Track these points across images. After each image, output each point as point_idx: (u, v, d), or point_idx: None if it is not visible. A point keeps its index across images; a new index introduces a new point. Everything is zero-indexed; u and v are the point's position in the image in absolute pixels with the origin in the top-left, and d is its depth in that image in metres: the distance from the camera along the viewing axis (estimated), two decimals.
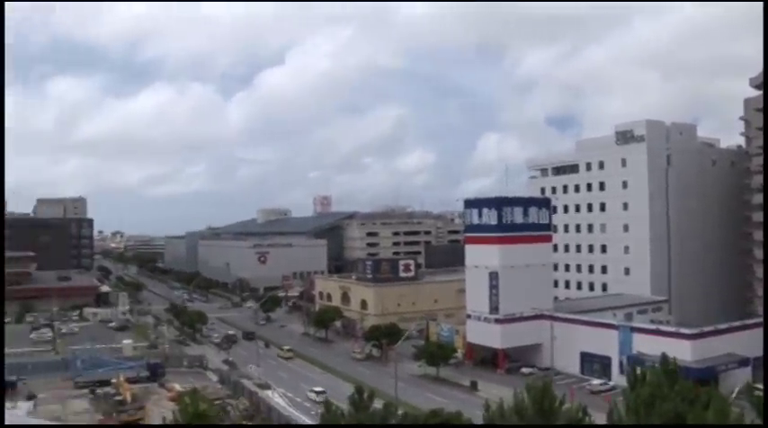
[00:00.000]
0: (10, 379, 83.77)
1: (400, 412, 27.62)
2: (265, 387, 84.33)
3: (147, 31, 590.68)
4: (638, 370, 22.17)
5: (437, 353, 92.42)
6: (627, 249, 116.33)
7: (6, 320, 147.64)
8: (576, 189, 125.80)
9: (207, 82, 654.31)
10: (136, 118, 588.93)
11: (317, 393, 78.99)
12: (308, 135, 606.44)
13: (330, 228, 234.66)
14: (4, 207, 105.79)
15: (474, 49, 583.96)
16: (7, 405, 76.63)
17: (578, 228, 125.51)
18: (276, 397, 79.73)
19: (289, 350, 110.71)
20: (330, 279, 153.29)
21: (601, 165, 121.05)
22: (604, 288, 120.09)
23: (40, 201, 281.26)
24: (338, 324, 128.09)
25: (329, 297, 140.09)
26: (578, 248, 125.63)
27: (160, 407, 75.55)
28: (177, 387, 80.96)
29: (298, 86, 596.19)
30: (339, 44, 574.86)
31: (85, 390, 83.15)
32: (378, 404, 25.96)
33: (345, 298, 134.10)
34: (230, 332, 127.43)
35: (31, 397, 79.55)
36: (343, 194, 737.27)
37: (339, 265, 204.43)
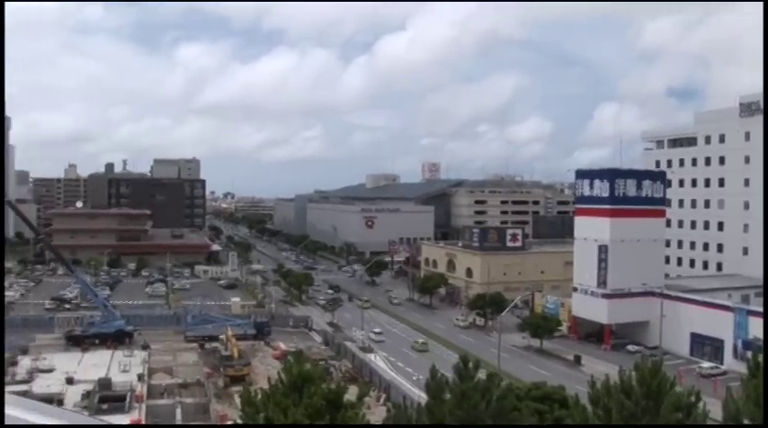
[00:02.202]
0: (128, 329, 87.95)
1: (504, 383, 27.28)
2: (368, 350, 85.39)
3: (273, 3, 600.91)
4: (760, 357, 21.03)
5: (542, 325, 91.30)
6: (746, 228, 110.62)
7: (123, 274, 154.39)
8: (694, 162, 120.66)
9: (329, 47, 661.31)
10: (257, 83, 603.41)
11: (376, 333, 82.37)
12: (424, 102, 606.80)
13: (438, 195, 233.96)
14: (3, 206, 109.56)
15: (598, 18, 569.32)
16: (124, 352, 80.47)
17: (694, 204, 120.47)
18: (378, 361, 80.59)
19: (366, 300, 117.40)
20: (436, 245, 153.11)
21: (721, 139, 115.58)
22: (719, 267, 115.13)
23: (157, 162, 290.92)
24: (443, 291, 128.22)
25: (435, 263, 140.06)
26: (693, 224, 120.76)
27: (265, 365, 77.50)
28: (282, 346, 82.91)
29: (416, 53, 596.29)
30: (464, 13, 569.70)
31: (194, 344, 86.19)
32: (481, 374, 25.71)
33: (451, 265, 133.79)
34: (335, 293, 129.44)
35: (145, 347, 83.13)
36: (453, 162, 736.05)
37: (445, 232, 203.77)
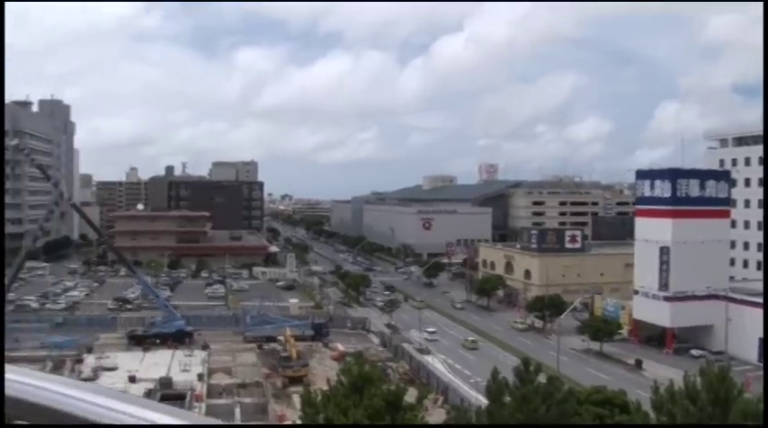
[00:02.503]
0: (188, 329, 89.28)
1: (565, 387, 26.85)
2: (426, 352, 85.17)
3: (331, 4, 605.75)
4: None
5: (601, 328, 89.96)
6: None
7: (183, 275, 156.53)
8: (761, 161, 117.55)
9: (385, 50, 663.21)
10: (314, 86, 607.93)
11: (430, 333, 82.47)
12: (480, 103, 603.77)
13: (495, 197, 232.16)
14: (3, 204, 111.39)
15: (656, 14, 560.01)
16: (184, 352, 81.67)
17: (760, 204, 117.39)
18: (436, 363, 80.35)
19: (420, 301, 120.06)
20: (494, 247, 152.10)
21: None
22: None
23: (216, 164, 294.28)
24: (500, 293, 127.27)
25: (492, 265, 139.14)
26: (759, 225, 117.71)
27: (323, 366, 77.86)
28: (340, 347, 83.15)
29: (473, 54, 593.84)
30: (520, 12, 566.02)
31: (253, 345, 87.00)
32: (541, 377, 25.34)
33: (509, 267, 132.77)
34: (390, 294, 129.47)
35: (205, 347, 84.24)
36: (511, 163, 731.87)
37: (503, 234, 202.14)
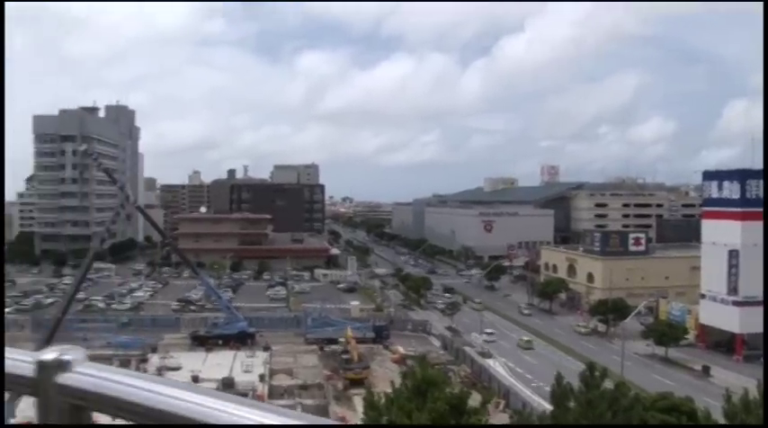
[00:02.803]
0: (250, 331, 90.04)
1: (631, 393, 26.20)
2: (487, 355, 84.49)
3: (394, 5, 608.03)
4: None
5: (667, 333, 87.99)
6: None
7: (245, 277, 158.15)
8: None
9: (447, 52, 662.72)
10: (376, 89, 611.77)
11: (488, 334, 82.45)
12: (543, 104, 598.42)
13: (557, 199, 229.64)
14: (3, 208, 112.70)
15: (724, 12, 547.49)
16: (246, 353, 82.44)
17: None
18: (498, 366, 79.65)
19: (479, 302, 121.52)
20: (556, 250, 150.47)
21: None
22: None
23: (277, 168, 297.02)
24: (563, 296, 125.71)
25: (554, 268, 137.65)
26: None
27: (384, 368, 77.74)
28: (401, 349, 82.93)
29: (536, 54, 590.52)
30: (584, 11, 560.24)
31: (315, 347, 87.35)
32: (607, 383, 24.77)
33: (571, 270, 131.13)
34: (453, 298, 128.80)
35: (266, 349, 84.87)
36: (573, 165, 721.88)
37: (565, 236, 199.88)
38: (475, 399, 23.20)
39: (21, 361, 1.82)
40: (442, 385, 20.05)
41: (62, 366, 1.77)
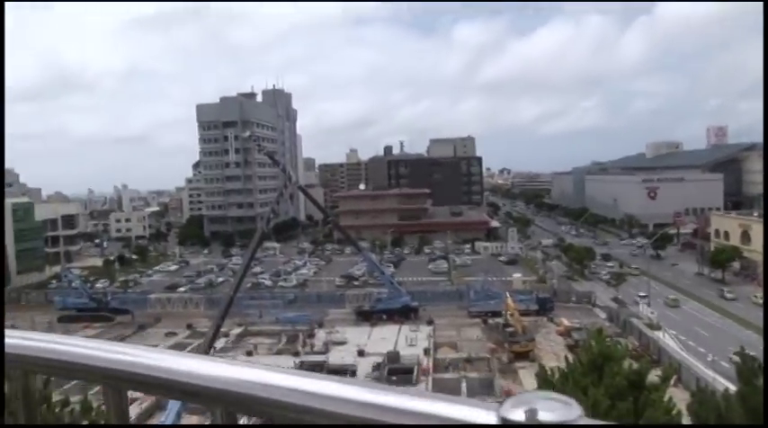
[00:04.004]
0: (413, 305, 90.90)
1: None
2: (656, 327, 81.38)
3: None
4: None
5: None
6: None
7: (406, 252, 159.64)
8: None
9: (605, 13, 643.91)
10: (534, 56, 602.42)
11: (641, 297, 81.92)
12: (709, 62, 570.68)
13: (726, 161, 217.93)
14: (3, 204, 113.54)
15: None
16: (410, 327, 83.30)
17: None
18: (667, 339, 76.59)
19: (636, 268, 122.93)
20: (728, 216, 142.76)
21: None
22: None
23: (433, 142, 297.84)
24: (736, 265, 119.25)
25: (726, 235, 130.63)
26: None
27: (548, 341, 76.60)
28: (566, 322, 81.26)
29: (700, 9, 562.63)
30: None
31: (478, 320, 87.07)
32: None
33: (745, 237, 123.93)
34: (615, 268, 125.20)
35: (430, 322, 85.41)
36: (743, 125, 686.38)
37: (737, 201, 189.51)
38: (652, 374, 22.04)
39: None
40: (619, 359, 19.16)
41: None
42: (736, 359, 65.77)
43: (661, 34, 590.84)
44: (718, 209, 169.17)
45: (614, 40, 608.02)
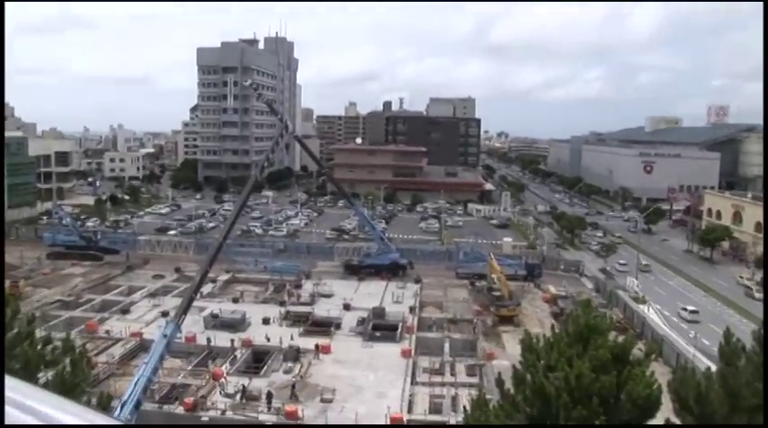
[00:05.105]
0: (402, 262, 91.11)
1: None
2: (641, 301, 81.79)
3: None
4: None
5: None
6: None
7: (398, 208, 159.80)
8: None
9: None
10: (544, 23, 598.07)
11: (690, 312, 76.32)
12: (719, 39, 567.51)
13: (725, 141, 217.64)
14: (4, 201, 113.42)
15: None
16: (398, 284, 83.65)
17: None
18: (651, 313, 77.02)
19: (619, 236, 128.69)
20: (721, 195, 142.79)
21: None
22: None
23: (433, 100, 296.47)
24: (725, 245, 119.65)
25: (718, 214, 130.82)
26: None
27: (534, 307, 77.02)
28: (552, 289, 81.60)
29: None
30: None
31: (465, 281, 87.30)
32: None
33: (737, 217, 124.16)
34: (608, 239, 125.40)
35: (417, 281, 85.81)
36: (745, 106, 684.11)
37: (731, 182, 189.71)
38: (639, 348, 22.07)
39: None
40: (605, 332, 19.15)
41: None
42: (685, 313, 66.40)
43: (673, 8, 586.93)
44: (712, 187, 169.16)
45: (625, 12, 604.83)
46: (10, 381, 1.78)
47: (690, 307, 78.37)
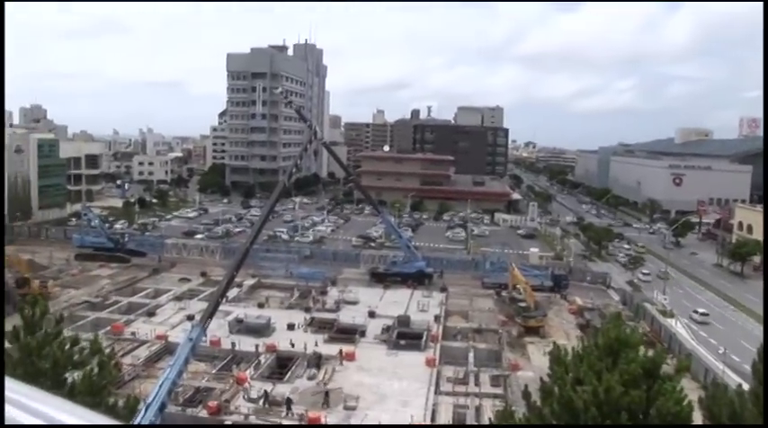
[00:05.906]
0: (428, 271, 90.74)
1: None
2: (669, 315, 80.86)
3: None
4: None
5: None
6: None
7: (425, 217, 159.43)
8: None
9: None
10: (578, 32, 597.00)
11: (701, 314, 76.95)
12: (754, 51, 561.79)
13: (757, 154, 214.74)
14: (3, 201, 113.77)
15: None
16: (423, 292, 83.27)
17: None
18: (679, 327, 76.05)
19: (642, 246, 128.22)
20: (753, 209, 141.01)
21: None
22: None
23: (461, 109, 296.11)
24: (757, 259, 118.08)
25: (750, 228, 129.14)
26: None
27: (560, 318, 76.35)
28: (579, 301, 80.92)
29: None
30: None
31: (491, 291, 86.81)
32: None
33: None
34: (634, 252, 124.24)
35: (443, 290, 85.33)
36: None
37: (764, 195, 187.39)
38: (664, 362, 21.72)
39: None
40: (635, 346, 18.86)
41: None
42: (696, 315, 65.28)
43: (708, 19, 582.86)
44: (743, 201, 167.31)
45: (660, 22, 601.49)
46: (10, 382, 1.82)
47: (701, 310, 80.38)
